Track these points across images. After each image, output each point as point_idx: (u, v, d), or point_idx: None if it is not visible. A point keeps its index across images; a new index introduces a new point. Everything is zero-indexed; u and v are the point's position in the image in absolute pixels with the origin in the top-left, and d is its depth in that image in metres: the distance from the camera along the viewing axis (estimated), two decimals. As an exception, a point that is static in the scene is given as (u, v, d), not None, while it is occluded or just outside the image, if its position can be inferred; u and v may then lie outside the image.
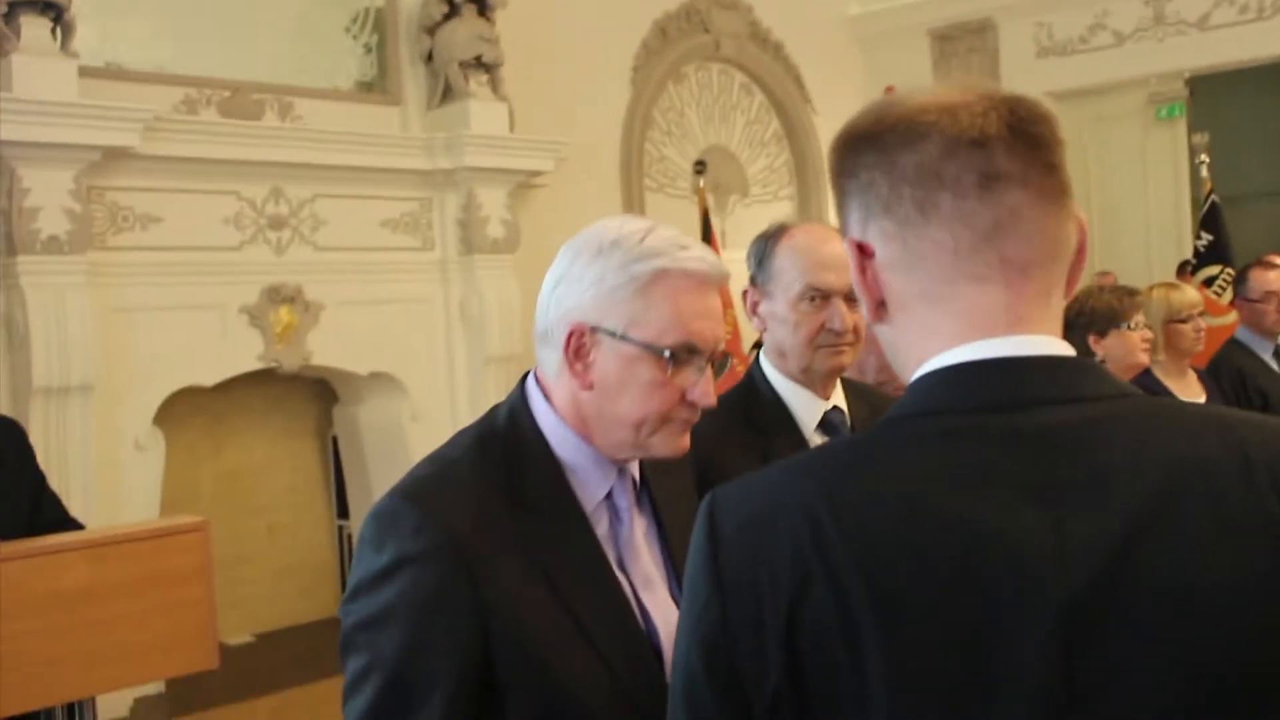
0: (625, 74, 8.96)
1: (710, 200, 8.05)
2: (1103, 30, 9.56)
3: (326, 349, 6.73)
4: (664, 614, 1.81)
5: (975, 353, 1.13)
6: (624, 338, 1.72)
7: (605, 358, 1.74)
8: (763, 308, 2.44)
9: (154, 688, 5.83)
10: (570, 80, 8.30)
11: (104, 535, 3.40)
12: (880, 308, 1.20)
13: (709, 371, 1.78)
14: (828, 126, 10.18)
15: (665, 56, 9.23)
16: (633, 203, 8.92)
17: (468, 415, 7.13)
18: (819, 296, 2.35)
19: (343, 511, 7.53)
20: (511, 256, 7.39)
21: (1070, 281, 1.18)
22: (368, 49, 7.20)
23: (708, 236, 7.73)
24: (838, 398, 2.46)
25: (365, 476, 7.29)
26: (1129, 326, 4.01)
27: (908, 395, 1.16)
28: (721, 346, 1.80)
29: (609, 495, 1.81)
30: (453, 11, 7.10)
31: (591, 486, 1.80)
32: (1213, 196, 8.11)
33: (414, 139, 7.11)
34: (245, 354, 6.43)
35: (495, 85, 7.30)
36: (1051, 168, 1.14)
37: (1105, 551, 1.02)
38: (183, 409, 6.43)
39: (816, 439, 2.39)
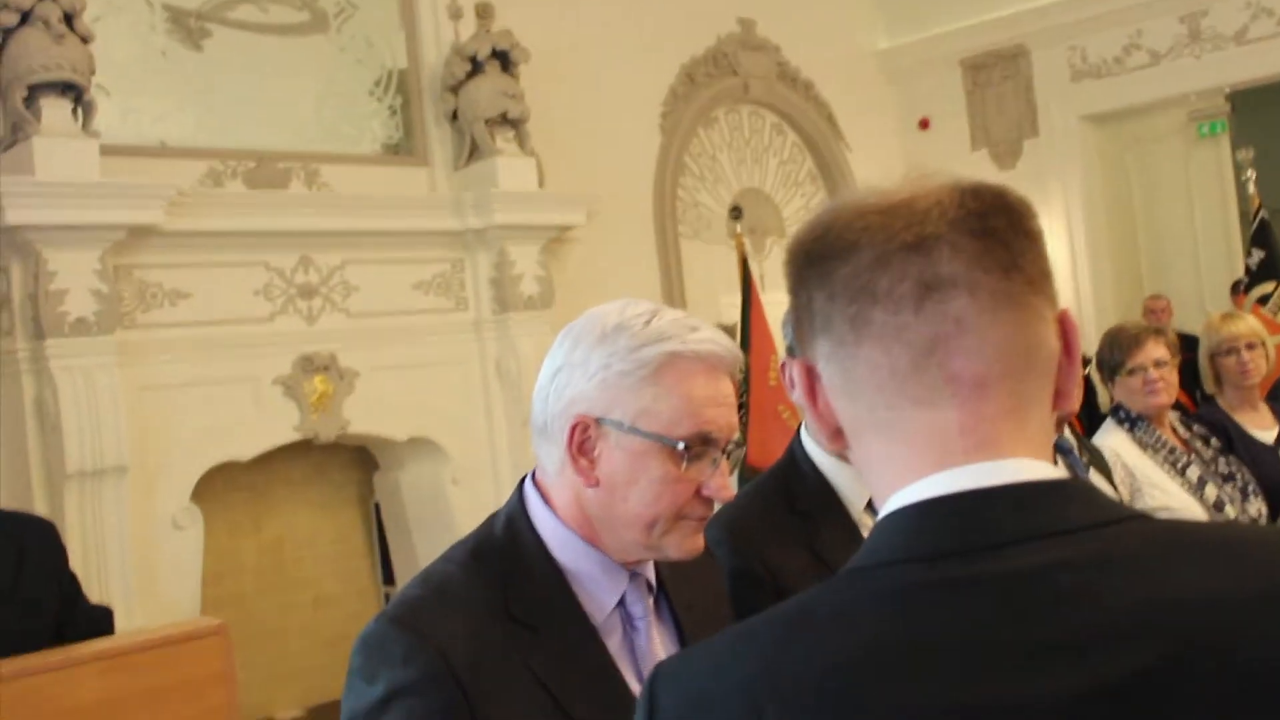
0: (654, 121, 8.87)
1: (748, 244, 7.91)
2: (1138, 50, 9.37)
3: (363, 416, 6.63)
4: None
5: (933, 488, 0.97)
6: (633, 430, 1.60)
7: (612, 452, 1.61)
8: None
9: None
10: (598, 131, 8.21)
11: (118, 645, 3.24)
12: (837, 435, 1.07)
13: (724, 464, 1.65)
14: (862, 163, 10.06)
15: (694, 101, 9.13)
16: (668, 251, 8.81)
17: (510, 475, 7.02)
18: None
19: (389, 579, 7.40)
20: (547, 312, 7.27)
21: (1061, 391, 1.02)
22: (392, 111, 7.15)
23: (748, 282, 7.58)
24: None
25: (409, 542, 7.17)
26: (1128, 371, 3.79)
27: (868, 541, 1.01)
28: (736, 435, 1.67)
29: (621, 603, 1.68)
30: (476, 69, 7.03)
31: (601, 595, 1.66)
32: (1261, 212, 7.89)
33: (443, 199, 7.02)
34: (281, 426, 6.34)
35: (522, 141, 7.21)
36: (1012, 267, 0.98)
37: None
38: (220, 485, 6.34)
39: (867, 520, 2.21)
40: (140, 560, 5.61)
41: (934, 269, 0.97)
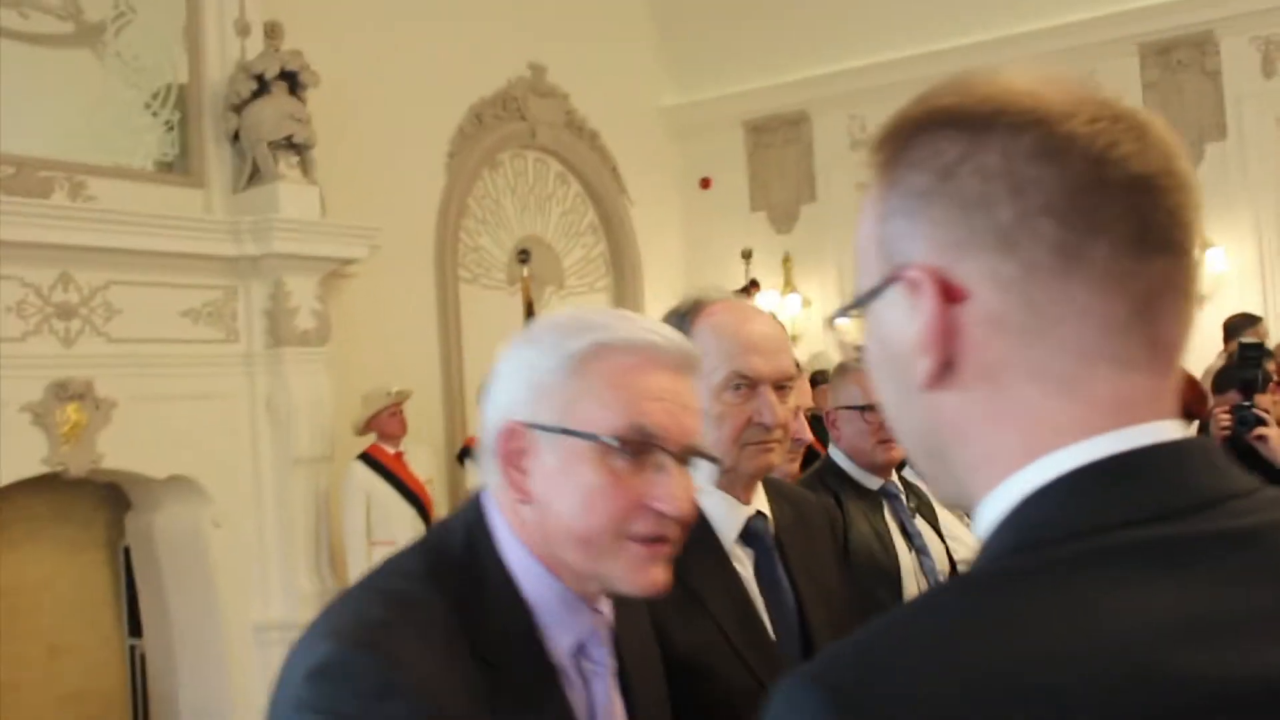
0: (440, 160, 8.64)
1: (533, 290, 7.74)
2: (914, 124, 9.66)
3: (119, 450, 6.12)
4: None
5: (1115, 444, 0.81)
6: (560, 430, 1.38)
7: (544, 459, 1.39)
8: None
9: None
10: (384, 165, 7.93)
11: None
12: (943, 372, 0.85)
13: (677, 471, 1.41)
14: (643, 217, 10.06)
15: (481, 143, 8.95)
16: (447, 293, 8.56)
17: (275, 520, 6.63)
18: (746, 385, 2.01)
19: (135, 630, 6.85)
20: (323, 349, 6.91)
21: None
22: (169, 126, 6.69)
23: (532, 328, 7.41)
24: (759, 501, 2.11)
25: (160, 590, 6.66)
26: None
27: (1034, 510, 0.81)
28: (696, 442, 1.44)
29: (581, 646, 1.45)
30: (262, 89, 6.66)
31: (561, 634, 1.43)
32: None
33: (218, 223, 6.58)
34: (27, 457, 5.79)
35: (306, 167, 6.86)
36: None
37: None
38: (-48, 519, 5.74)
39: (740, 553, 2.04)
40: None
41: (1164, 216, 0.83)
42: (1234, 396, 4.66)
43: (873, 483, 3.27)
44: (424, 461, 7.34)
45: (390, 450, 7.17)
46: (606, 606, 1.50)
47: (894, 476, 3.34)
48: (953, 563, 3.16)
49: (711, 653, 1.88)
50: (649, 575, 1.41)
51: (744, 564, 2.03)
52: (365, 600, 1.38)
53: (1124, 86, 8.88)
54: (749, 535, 2.06)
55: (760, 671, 1.91)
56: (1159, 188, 0.83)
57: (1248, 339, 4.74)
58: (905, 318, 0.87)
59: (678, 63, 10.50)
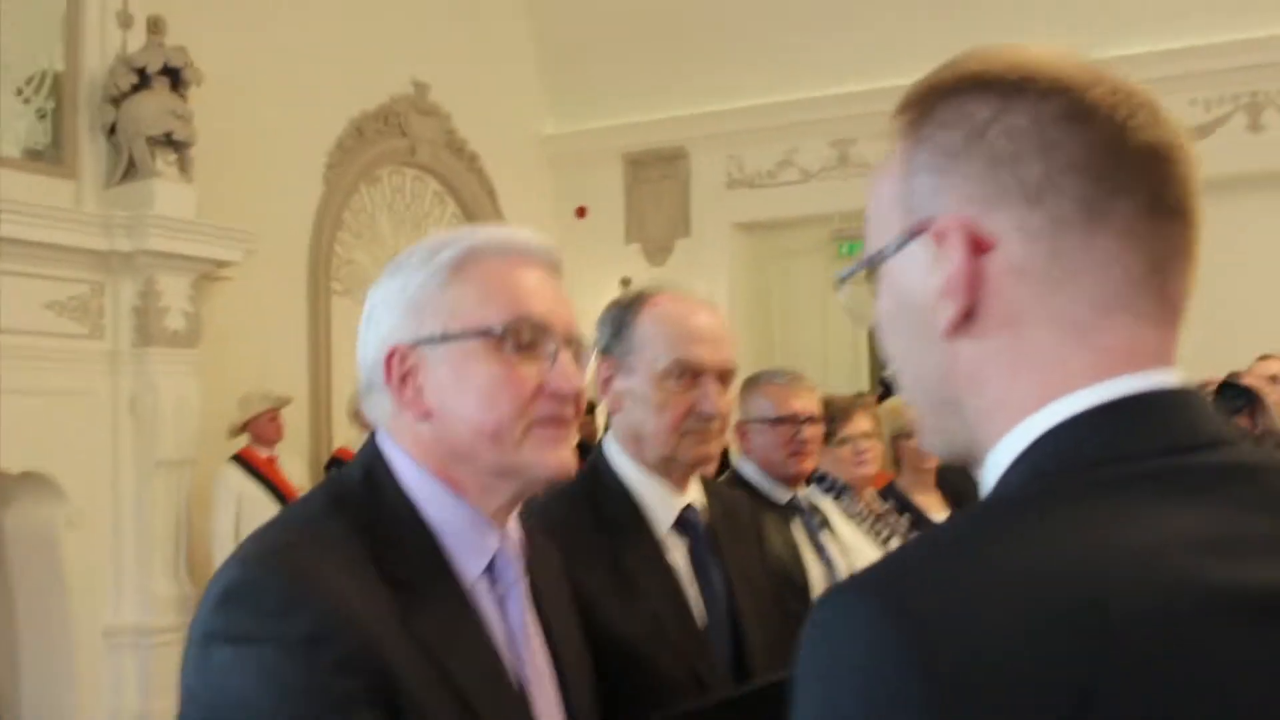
0: (319, 170, 8.56)
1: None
2: (791, 167, 9.88)
3: (-29, 443, 5.89)
4: (552, 713, 1.48)
5: (1126, 387, 0.87)
6: (445, 336, 1.41)
7: (435, 373, 1.42)
8: (618, 384, 2.09)
9: None
10: (262, 170, 7.82)
11: None
12: (965, 319, 0.91)
13: (566, 355, 1.46)
14: (519, 242, 10.04)
15: (360, 156, 8.88)
16: (319, 304, 8.45)
17: (134, 523, 6.47)
18: (688, 374, 2.04)
19: (-24, 630, 6.59)
20: (192, 352, 6.77)
21: None
22: (41, 115, 6.50)
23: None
24: (694, 493, 2.14)
25: (8, 589, 6.42)
26: (839, 441, 3.84)
27: (1051, 445, 0.87)
28: (576, 334, 1.49)
29: (490, 566, 1.45)
30: (143, 83, 6.53)
31: (469, 555, 1.43)
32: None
33: (90, 215, 6.40)
34: (-127, 444, 5.55)
35: (184, 166, 6.74)
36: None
37: None
38: None
39: (674, 541, 2.06)
40: None
41: (1177, 185, 0.90)
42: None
43: (782, 495, 3.31)
44: (295, 472, 7.23)
45: (264, 454, 7.05)
46: (514, 527, 1.51)
47: (802, 492, 3.40)
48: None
49: (647, 640, 1.90)
50: (558, 456, 1.45)
51: (677, 553, 2.06)
52: (269, 533, 1.38)
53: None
54: (683, 524, 2.08)
55: (691, 659, 1.94)
56: (1171, 158, 0.89)
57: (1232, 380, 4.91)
58: (928, 269, 0.92)
59: (560, 92, 10.57)
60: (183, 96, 6.72)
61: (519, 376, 1.41)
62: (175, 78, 6.66)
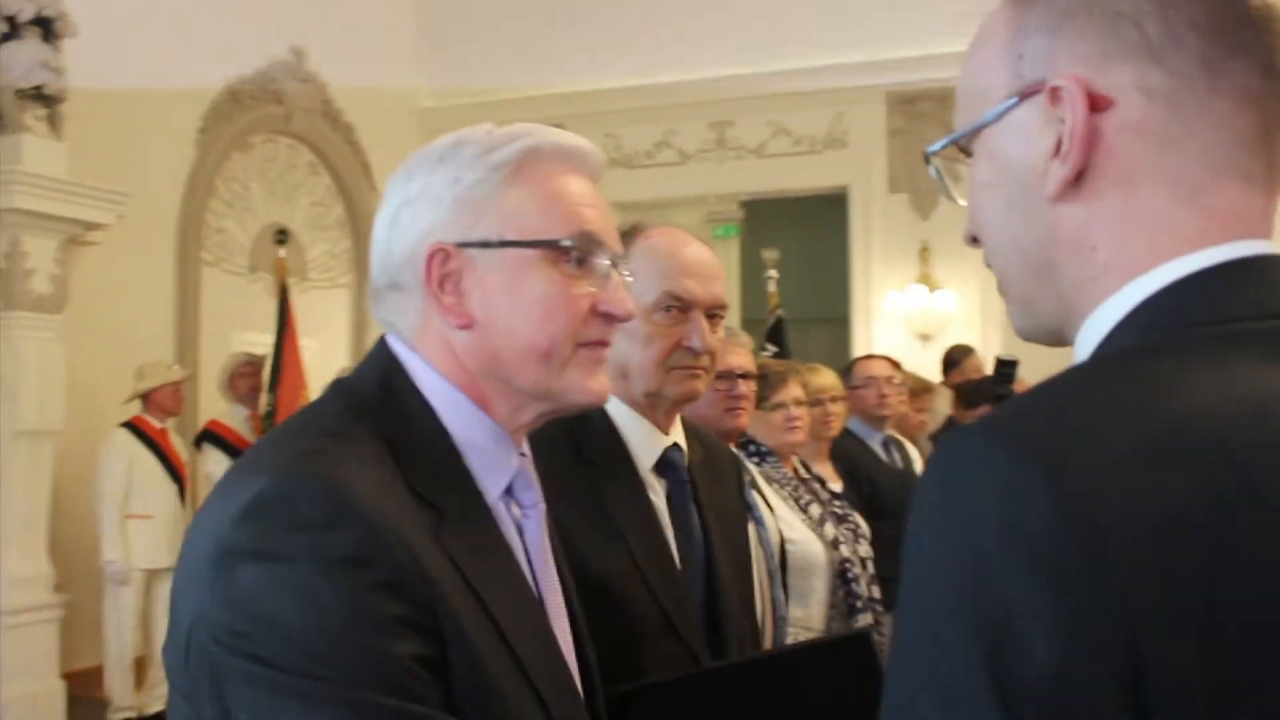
0: (191, 134, 8.27)
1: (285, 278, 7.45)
2: (668, 148, 9.87)
3: None
4: (567, 644, 1.40)
5: (1234, 252, 0.87)
6: (503, 242, 1.31)
7: (484, 279, 1.31)
8: None
9: None
10: (133, 131, 7.53)
11: None
12: (1078, 180, 0.90)
13: (618, 276, 1.37)
14: (394, 217, 9.86)
15: (235, 122, 8.61)
16: (188, 273, 8.18)
17: (-7, 494, 6.16)
18: (678, 308, 1.98)
19: None
20: (58, 318, 6.48)
21: None
22: (-100, 61, 6.15)
23: (284, 314, 7.12)
24: (677, 433, 2.08)
25: None
26: (772, 406, 3.84)
27: (1163, 304, 0.87)
28: (619, 248, 1.40)
29: (508, 488, 1.37)
30: (13, 32, 6.22)
31: (492, 473, 1.34)
32: (779, 311, 8.44)
33: (-49, 169, 6.08)
34: None
35: (55, 122, 6.43)
36: None
37: None
38: None
39: (655, 482, 2.00)
40: None
41: (1275, 51, 0.89)
42: (986, 409, 4.93)
43: None
44: (178, 446, 7.00)
45: (157, 425, 6.80)
46: (527, 449, 1.43)
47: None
48: (783, 538, 3.21)
49: (624, 580, 1.84)
50: (599, 382, 1.38)
51: (657, 493, 2.00)
52: (288, 441, 1.26)
53: (871, 131, 9.27)
54: (664, 465, 2.02)
55: (665, 602, 1.88)
56: (1278, 27, 0.89)
57: (1005, 356, 5.02)
58: (1037, 132, 0.92)
59: (439, 65, 10.40)
60: (56, 48, 6.41)
61: (576, 294, 1.33)
62: (47, 28, 6.36)
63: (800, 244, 11.16)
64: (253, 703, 1.09)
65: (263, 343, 7.61)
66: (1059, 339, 0.98)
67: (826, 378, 4.52)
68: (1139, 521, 0.71)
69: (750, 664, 1.87)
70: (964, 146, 1.01)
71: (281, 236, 7.40)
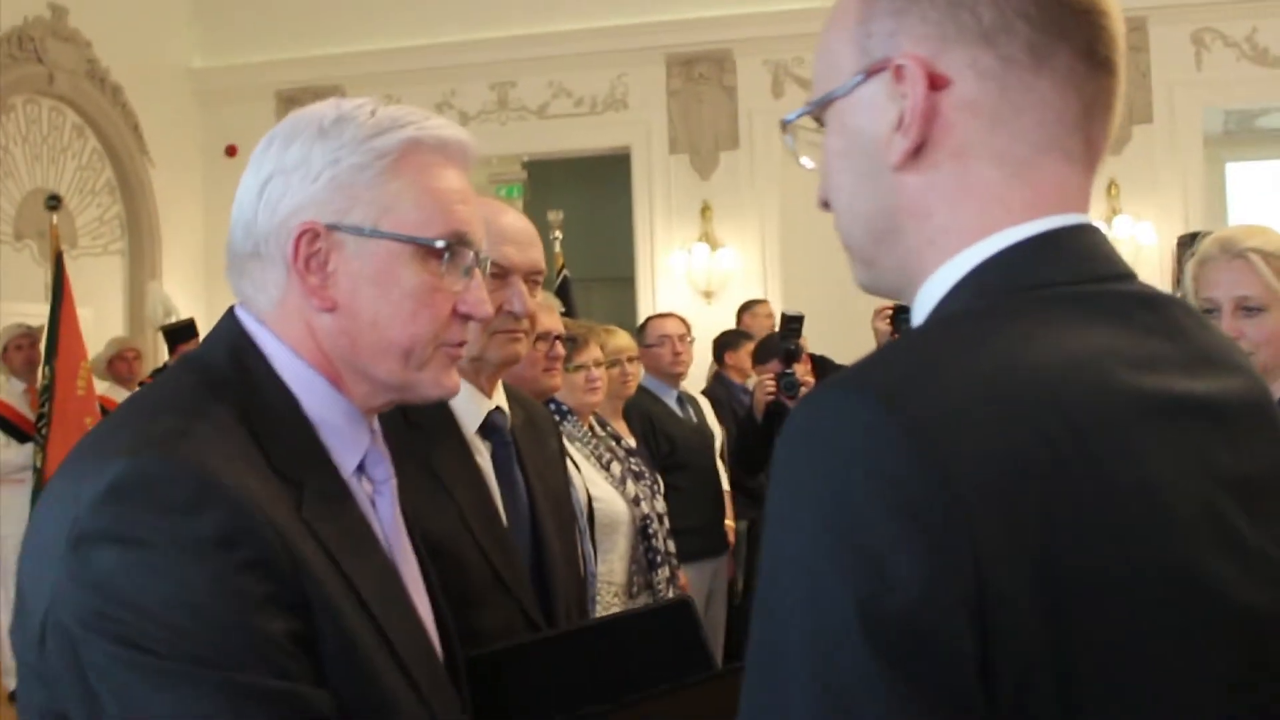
0: (-53, 96, 7.85)
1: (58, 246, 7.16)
2: (450, 109, 9.79)
3: None
4: (427, 613, 1.46)
5: (1056, 223, 0.99)
6: (377, 232, 1.32)
7: (351, 264, 1.32)
8: None
9: None
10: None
11: None
12: (918, 152, 1.00)
13: (479, 276, 1.42)
14: (165, 181, 9.59)
15: (-7, 83, 8.20)
16: (-53, 244, 7.78)
17: None
18: (497, 274, 2.03)
19: None
20: None
21: None
22: None
23: (60, 283, 6.86)
24: (500, 396, 2.15)
25: None
26: (574, 368, 3.94)
27: (993, 270, 0.98)
28: (483, 246, 1.44)
29: (361, 464, 1.40)
30: None
31: (345, 450, 1.37)
32: (565, 271, 8.51)
33: None
34: None
35: None
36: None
37: (1252, 427, 0.98)
38: None
39: (479, 445, 2.07)
40: None
41: (1106, 39, 1.00)
42: (775, 365, 5.12)
43: None
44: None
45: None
46: (378, 426, 1.47)
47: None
48: (590, 496, 3.31)
49: (456, 541, 1.90)
50: (452, 378, 1.42)
51: (483, 455, 2.06)
52: (143, 420, 1.25)
53: (651, 92, 9.40)
54: (488, 428, 2.09)
55: (495, 561, 1.95)
56: (1103, 14, 1.01)
57: (790, 312, 5.19)
58: (881, 107, 1.01)
59: (210, 24, 10.11)
60: None
61: (442, 293, 1.36)
62: None
63: (584, 204, 11.23)
64: (121, 685, 1.10)
65: (36, 313, 7.31)
66: (898, 297, 1.08)
67: (622, 339, 4.65)
68: (985, 464, 0.81)
69: (587, 630, 1.95)
70: (818, 117, 1.09)
71: (54, 202, 7.06)
